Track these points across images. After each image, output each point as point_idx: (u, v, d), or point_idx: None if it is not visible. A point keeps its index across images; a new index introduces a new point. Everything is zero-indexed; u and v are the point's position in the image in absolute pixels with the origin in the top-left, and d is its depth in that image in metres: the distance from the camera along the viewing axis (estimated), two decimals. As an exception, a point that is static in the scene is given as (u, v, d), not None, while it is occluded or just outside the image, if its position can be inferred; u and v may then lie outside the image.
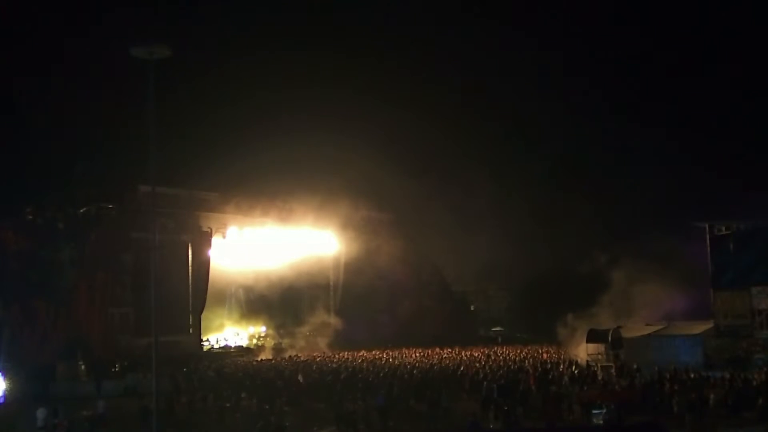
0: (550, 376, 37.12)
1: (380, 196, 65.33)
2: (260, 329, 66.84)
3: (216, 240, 59.92)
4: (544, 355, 49.26)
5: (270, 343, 64.84)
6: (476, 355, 52.23)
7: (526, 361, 46.27)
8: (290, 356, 57.39)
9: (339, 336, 66.74)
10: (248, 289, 65.91)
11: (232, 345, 63.46)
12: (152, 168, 19.91)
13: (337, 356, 55.30)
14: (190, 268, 57.74)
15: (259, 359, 56.34)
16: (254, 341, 65.13)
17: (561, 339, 52.24)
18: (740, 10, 78.22)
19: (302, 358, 54.22)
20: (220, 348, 61.68)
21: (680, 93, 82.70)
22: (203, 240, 58.73)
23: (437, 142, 73.67)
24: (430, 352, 54.94)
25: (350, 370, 43.81)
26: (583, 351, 44.87)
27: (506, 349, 55.82)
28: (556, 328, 53.29)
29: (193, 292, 57.78)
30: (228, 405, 34.85)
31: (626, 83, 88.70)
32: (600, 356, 43.44)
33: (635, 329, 45.64)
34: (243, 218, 61.57)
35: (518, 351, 53.59)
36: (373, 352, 55.55)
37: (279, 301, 66.76)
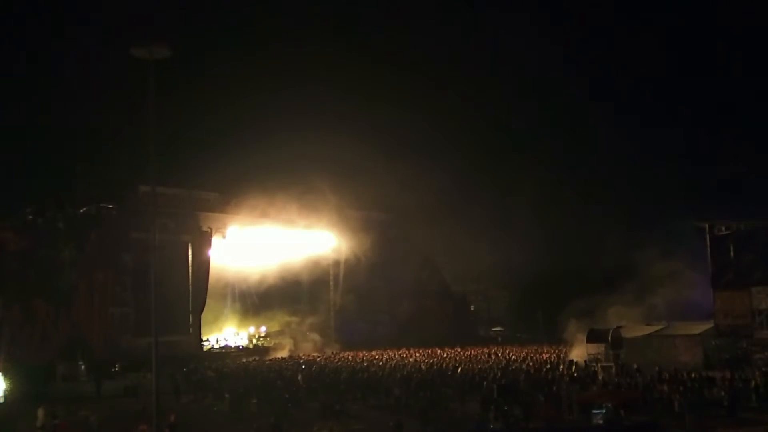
0: (550, 376, 37.10)
1: (379, 195, 65.27)
2: (260, 329, 66.85)
3: (216, 240, 59.91)
4: (544, 355, 49.26)
5: (269, 343, 64.88)
6: (476, 355, 52.24)
7: (526, 361, 46.25)
8: (290, 356, 57.44)
9: (339, 336, 66.80)
10: (248, 290, 65.88)
11: (232, 345, 63.49)
12: (152, 168, 19.91)
13: (337, 356, 55.32)
14: (190, 268, 57.72)
15: (253, 359, 56.48)
16: (254, 341, 65.16)
17: (561, 339, 52.24)
18: (741, 9, 78.23)
19: (302, 358, 54.25)
20: (220, 348, 61.69)
21: (680, 92, 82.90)
22: (203, 240, 58.71)
23: (437, 143, 73.71)
24: (430, 352, 54.92)
25: (350, 370, 43.83)
26: (583, 351, 44.86)
27: (506, 349, 55.80)
28: (556, 328, 53.26)
29: (193, 292, 57.76)
30: (227, 405, 34.89)
31: (627, 82, 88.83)
32: (600, 356, 43.43)
33: (635, 329, 45.60)
34: (243, 218, 61.55)
35: (518, 351, 53.58)
36: (373, 352, 55.56)
37: (279, 301, 66.75)
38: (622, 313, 48.10)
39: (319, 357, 55.71)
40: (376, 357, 52.70)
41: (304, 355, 58.30)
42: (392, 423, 26.54)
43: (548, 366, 42.29)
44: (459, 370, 41.97)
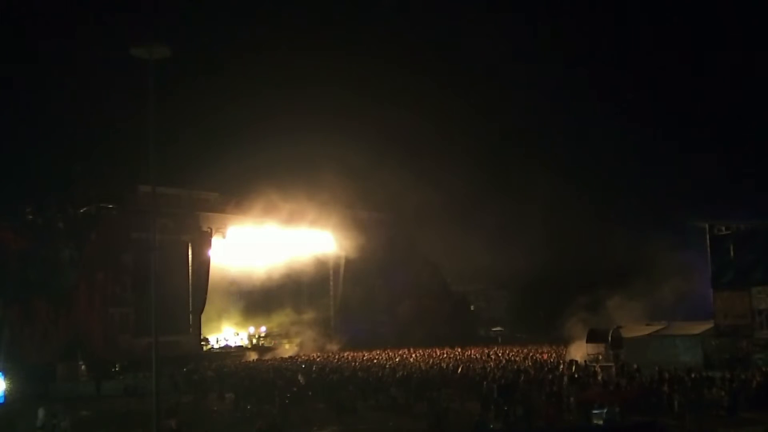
0: (550, 376, 37.08)
1: (380, 196, 65.31)
2: (260, 329, 66.88)
3: (216, 240, 59.92)
4: (544, 355, 49.24)
5: (270, 342, 64.89)
6: (476, 355, 52.22)
7: (526, 361, 46.24)
8: (291, 356, 57.44)
9: (340, 336, 66.80)
10: (248, 289, 65.89)
11: (232, 345, 63.49)
12: (152, 168, 19.91)
13: (337, 356, 55.33)
14: (190, 268, 57.72)
15: (254, 359, 56.49)
16: (254, 341, 65.17)
17: (561, 339, 52.20)
18: (741, 10, 78.31)
19: (303, 358, 54.25)
20: (220, 348, 61.70)
21: (680, 92, 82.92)
22: (203, 240, 58.72)
23: (437, 143, 73.70)
24: (430, 352, 54.91)
25: (351, 370, 43.83)
26: (583, 351, 44.84)
27: (506, 349, 55.79)
28: (556, 328, 53.20)
29: (193, 292, 57.77)
30: (228, 405, 34.88)
31: (626, 83, 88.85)
32: (600, 356, 43.42)
33: (635, 329, 45.56)
34: (243, 218, 61.56)
35: (518, 351, 53.57)
36: (374, 352, 55.56)
37: (279, 301, 66.77)
38: (624, 307, 48.04)
39: (319, 357, 55.72)
40: (377, 357, 52.73)
41: (304, 354, 58.29)
42: None
43: (548, 366, 42.27)
44: (459, 370, 41.96)
